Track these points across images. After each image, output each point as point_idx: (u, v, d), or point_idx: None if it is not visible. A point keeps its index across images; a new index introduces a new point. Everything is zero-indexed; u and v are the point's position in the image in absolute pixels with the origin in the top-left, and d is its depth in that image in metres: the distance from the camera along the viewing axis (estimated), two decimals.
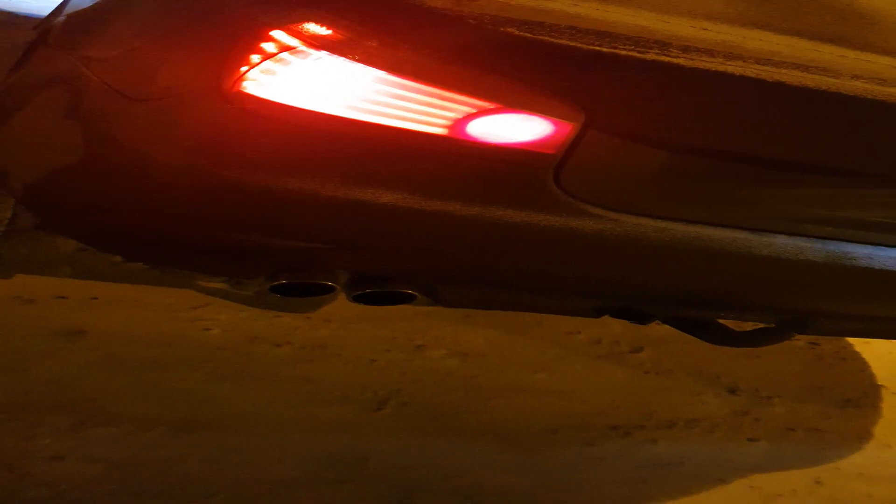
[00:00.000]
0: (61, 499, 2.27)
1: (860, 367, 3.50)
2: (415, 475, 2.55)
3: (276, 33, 1.94)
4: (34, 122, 2.37)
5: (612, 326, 3.29)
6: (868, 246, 2.37)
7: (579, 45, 1.96)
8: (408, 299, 2.32)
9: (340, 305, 2.98)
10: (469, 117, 1.97)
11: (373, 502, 2.44)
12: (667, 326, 2.54)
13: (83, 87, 2.22)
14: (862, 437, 3.02)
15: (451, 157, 2.00)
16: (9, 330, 2.74)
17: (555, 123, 1.98)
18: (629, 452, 2.78)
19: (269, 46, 1.95)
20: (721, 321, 2.62)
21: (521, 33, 1.95)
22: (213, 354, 2.85)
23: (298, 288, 2.26)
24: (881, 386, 3.36)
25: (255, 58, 1.94)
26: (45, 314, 2.86)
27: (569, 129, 1.98)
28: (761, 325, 2.59)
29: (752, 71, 2.05)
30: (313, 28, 1.93)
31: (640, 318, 2.57)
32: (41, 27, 2.79)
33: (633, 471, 2.72)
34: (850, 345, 3.55)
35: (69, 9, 2.58)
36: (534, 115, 1.98)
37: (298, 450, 2.57)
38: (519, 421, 2.83)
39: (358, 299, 2.28)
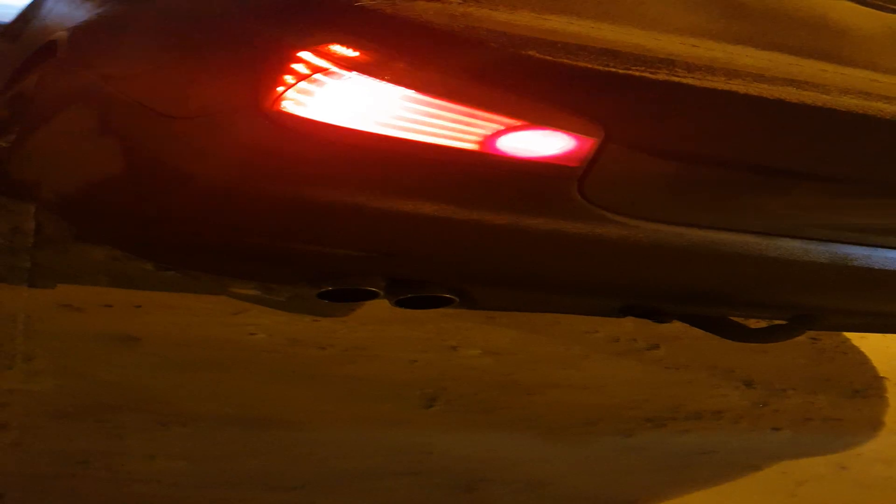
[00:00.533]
0: (160, 494, 2.37)
1: (861, 360, 3.76)
2: (475, 466, 2.68)
3: (307, 55, 2.07)
4: (62, 137, 2.50)
5: (627, 325, 3.49)
6: (866, 248, 2.56)
7: (595, 66, 2.12)
8: (447, 303, 2.48)
9: (374, 308, 3.12)
10: (498, 133, 2.12)
11: (443, 491, 2.57)
12: (678, 324, 2.73)
13: (112, 104, 2.36)
14: (874, 425, 3.26)
15: (482, 170, 2.16)
16: (68, 337, 2.84)
17: (577, 139, 2.14)
18: (665, 442, 2.96)
19: (302, 67, 2.07)
20: (735, 319, 2.82)
21: (542, 56, 2.10)
22: (262, 357, 2.98)
23: (344, 294, 2.41)
24: (884, 378, 3.62)
25: (290, 78, 2.07)
26: (95, 321, 2.96)
27: (590, 143, 2.15)
28: (774, 323, 2.80)
29: (753, 89, 2.23)
30: (342, 50, 2.06)
31: (660, 316, 2.76)
32: (7, 33, 2.90)
33: (671, 459, 2.89)
34: (849, 339, 3.80)
35: (68, 20, 2.70)
36: (557, 130, 2.14)
37: (363, 443, 2.70)
38: (559, 414, 2.99)
39: (400, 304, 2.43)
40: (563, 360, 3.28)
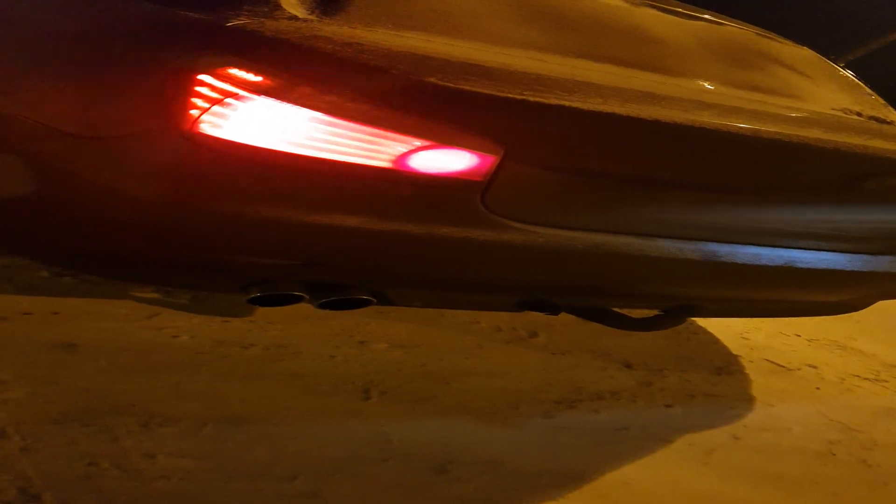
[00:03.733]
0: (180, 488, 2.58)
1: (711, 339, 4.35)
2: (436, 450, 3.00)
3: (209, 79, 2.35)
4: None
5: (503, 315, 3.92)
6: (730, 245, 3.06)
7: (494, 92, 2.50)
8: (366, 304, 2.84)
9: (276, 308, 3.43)
10: (408, 152, 2.47)
11: (420, 473, 2.91)
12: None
13: (4, 121, 2.56)
14: (748, 398, 3.82)
15: (394, 185, 2.49)
16: (9, 346, 2.99)
17: (480, 156, 2.52)
18: (583, 421, 3.40)
19: (210, 91, 2.34)
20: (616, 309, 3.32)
21: (443, 83, 2.47)
22: (196, 358, 3.22)
23: (272, 299, 2.72)
24: (738, 355, 4.21)
25: (204, 102, 2.34)
26: (24, 330, 3.11)
27: (492, 160, 2.53)
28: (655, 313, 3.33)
29: (628, 110, 2.66)
30: (244, 74, 2.36)
31: (553, 309, 3.20)
32: None
33: (594, 436, 3.32)
34: (695, 321, 4.39)
35: None
36: (463, 150, 2.52)
37: (330, 434, 2.98)
38: (482, 400, 3.37)
39: (323, 306, 2.76)
40: (462, 350, 3.65)
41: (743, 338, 4.41)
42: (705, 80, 3.16)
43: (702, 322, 4.34)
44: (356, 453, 2.86)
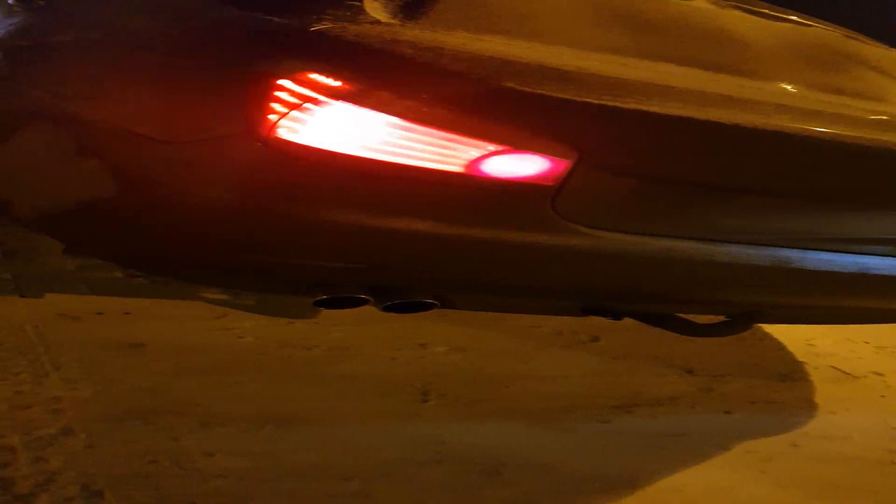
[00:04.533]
0: (236, 486, 2.72)
1: (777, 345, 4.43)
2: (489, 453, 3.11)
3: (289, 83, 2.43)
4: (33, 156, 2.84)
5: (565, 319, 4.04)
6: (801, 251, 3.08)
7: (571, 97, 2.55)
8: (430, 307, 2.90)
9: (338, 311, 3.58)
10: (482, 157, 2.53)
11: (472, 476, 3.02)
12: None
13: (88, 126, 2.71)
14: (810, 405, 3.89)
15: (466, 190, 2.56)
16: (79, 345, 3.17)
17: (553, 161, 2.57)
18: (639, 426, 3.49)
19: (288, 96, 2.43)
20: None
21: (521, 87, 2.54)
22: (259, 359, 3.38)
23: (337, 302, 2.79)
24: (803, 362, 4.29)
25: (282, 107, 2.42)
26: (95, 329, 3.30)
27: (564, 164, 2.58)
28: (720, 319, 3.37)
29: (709, 114, 2.70)
30: (323, 79, 2.43)
31: (616, 314, 3.26)
32: None
33: (649, 441, 3.41)
34: (761, 327, 4.48)
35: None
36: (537, 154, 2.56)
37: (385, 436, 3.11)
38: (538, 404, 3.49)
39: (388, 309, 2.83)
40: (521, 354, 3.78)
41: (809, 344, 4.49)
42: (788, 83, 3.19)
43: (768, 328, 4.42)
44: (410, 455, 3.01)
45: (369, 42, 2.48)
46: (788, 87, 3.17)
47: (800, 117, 2.85)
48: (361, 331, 3.54)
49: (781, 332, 4.46)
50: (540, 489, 2.99)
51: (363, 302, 2.77)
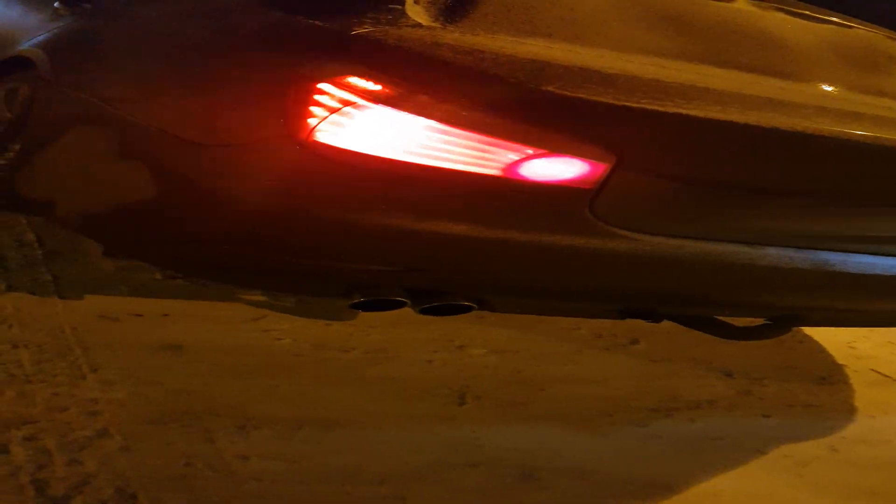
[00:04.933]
0: (270, 489, 2.77)
1: (817, 348, 4.44)
2: (525, 457, 3.15)
3: (329, 87, 2.48)
4: (74, 157, 2.89)
5: (605, 322, 4.07)
6: (842, 254, 3.12)
7: (610, 100, 2.58)
8: (467, 310, 2.95)
9: (376, 313, 3.62)
10: (520, 161, 2.57)
11: (507, 480, 3.05)
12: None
13: (128, 128, 2.75)
14: (849, 409, 3.91)
15: (504, 193, 2.61)
16: (118, 346, 3.22)
17: (591, 164, 2.61)
18: (677, 430, 3.52)
19: (328, 100, 2.48)
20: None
21: (560, 91, 2.57)
22: (296, 361, 3.43)
23: (374, 304, 2.84)
24: (843, 365, 4.30)
25: (321, 110, 2.47)
26: (133, 330, 3.35)
27: (603, 168, 2.62)
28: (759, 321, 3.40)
29: (750, 118, 2.73)
30: (364, 83, 2.48)
31: (655, 317, 3.29)
32: None
33: (686, 445, 3.44)
34: (801, 329, 4.49)
35: (35, 31, 3.07)
36: (575, 158, 2.60)
37: (421, 439, 3.15)
38: (575, 407, 3.52)
39: (425, 311, 2.88)
40: (559, 357, 3.81)
41: (850, 347, 4.51)
42: (829, 85, 3.23)
43: (808, 330, 4.44)
44: (445, 458, 3.05)
45: (410, 46, 2.51)
46: (829, 89, 3.20)
47: (839, 120, 2.87)
48: (399, 333, 3.58)
49: (822, 335, 4.46)
50: (575, 493, 3.03)
51: (400, 304, 2.82)
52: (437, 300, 2.83)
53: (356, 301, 2.79)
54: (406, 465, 2.95)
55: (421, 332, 3.64)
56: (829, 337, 4.50)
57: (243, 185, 2.52)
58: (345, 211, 2.50)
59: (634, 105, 2.54)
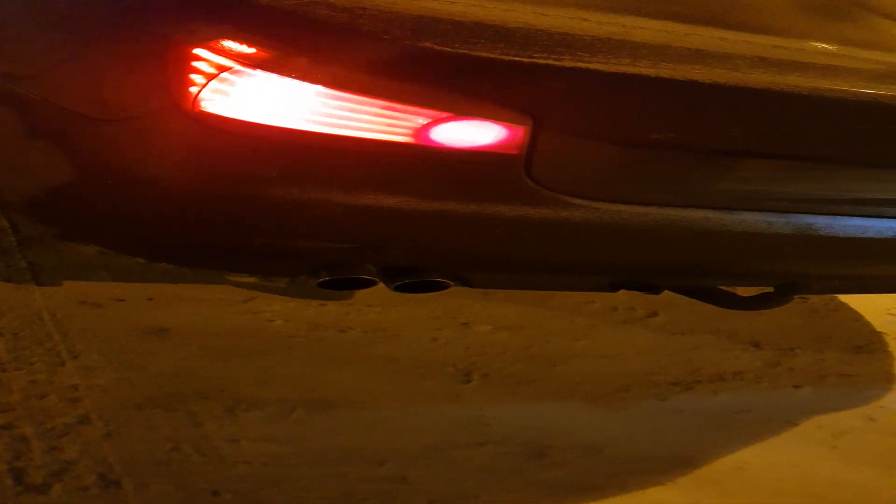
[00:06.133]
0: (262, 473, 2.74)
1: (853, 316, 4.38)
2: (535, 434, 3.13)
3: (205, 52, 2.38)
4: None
5: (621, 294, 3.99)
6: (826, 216, 3.01)
7: (495, 55, 2.45)
8: (443, 286, 2.85)
9: (376, 290, 3.56)
10: (427, 126, 2.46)
11: (515, 458, 3.02)
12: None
13: (31, 106, 2.68)
14: (888, 378, 3.88)
15: (425, 161, 2.51)
16: (100, 332, 3.20)
17: (506, 127, 2.49)
18: (699, 403, 3.48)
19: (209, 66, 2.38)
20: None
21: (440, 47, 2.44)
22: (290, 342, 3.39)
23: (342, 283, 2.76)
24: (882, 332, 4.27)
25: (201, 78, 2.37)
26: (117, 315, 3.33)
27: (521, 131, 2.51)
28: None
29: (662, 71, 2.59)
30: (239, 47, 2.37)
31: (651, 288, 3.20)
32: None
33: (710, 419, 3.40)
34: (836, 297, 4.42)
35: None
36: (483, 120, 2.49)
37: (424, 418, 3.13)
38: (590, 383, 3.48)
39: (399, 289, 2.79)
40: (572, 332, 3.77)
41: (889, 314, 4.49)
42: (776, 34, 3.04)
43: (844, 298, 4.39)
44: (450, 437, 3.03)
45: (282, 4, 2.38)
46: (777, 39, 3.01)
47: (784, 72, 2.74)
48: (399, 311, 3.55)
49: (859, 302, 4.39)
50: (589, 470, 3.02)
51: (370, 283, 2.74)
52: (408, 277, 2.73)
53: (322, 280, 2.68)
54: (407, 445, 2.91)
55: (423, 310, 3.62)
56: (867, 304, 4.43)
57: (141, 160, 2.45)
58: (255, 185, 2.41)
59: (532, 61, 2.41)
